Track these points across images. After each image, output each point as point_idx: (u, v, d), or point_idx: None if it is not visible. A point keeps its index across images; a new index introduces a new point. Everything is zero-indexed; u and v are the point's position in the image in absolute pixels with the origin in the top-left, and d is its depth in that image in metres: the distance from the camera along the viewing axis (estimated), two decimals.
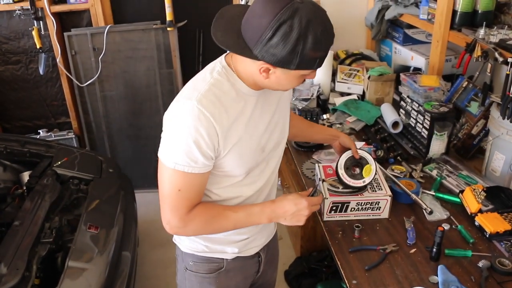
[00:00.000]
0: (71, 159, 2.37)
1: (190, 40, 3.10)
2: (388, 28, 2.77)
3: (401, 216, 1.58)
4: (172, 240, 1.43)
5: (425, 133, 1.91)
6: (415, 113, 1.98)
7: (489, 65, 1.84)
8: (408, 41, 2.60)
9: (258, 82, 1.13)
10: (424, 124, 1.91)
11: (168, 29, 2.92)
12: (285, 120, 1.36)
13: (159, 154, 1.14)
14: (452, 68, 2.32)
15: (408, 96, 2.05)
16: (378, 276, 1.33)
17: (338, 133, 1.65)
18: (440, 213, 1.58)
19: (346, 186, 1.53)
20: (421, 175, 1.81)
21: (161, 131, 1.15)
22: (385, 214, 1.57)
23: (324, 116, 2.32)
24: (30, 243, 1.75)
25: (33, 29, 2.79)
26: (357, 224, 1.51)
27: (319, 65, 1.07)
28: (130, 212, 2.30)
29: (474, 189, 1.57)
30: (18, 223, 1.83)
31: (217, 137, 1.10)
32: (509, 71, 1.62)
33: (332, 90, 2.59)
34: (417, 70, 2.41)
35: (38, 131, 3.13)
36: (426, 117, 1.89)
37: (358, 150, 1.55)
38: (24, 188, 2.18)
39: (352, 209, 1.55)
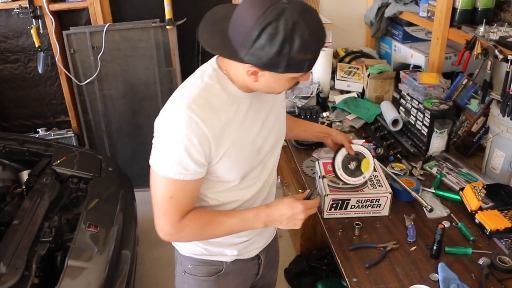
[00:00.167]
0: (70, 158, 2.36)
1: (189, 38, 3.09)
2: (387, 26, 2.77)
3: (401, 214, 1.57)
4: None
5: (425, 130, 1.91)
6: (415, 111, 1.98)
7: (489, 62, 1.84)
8: (408, 38, 2.60)
9: (248, 85, 1.10)
10: (424, 122, 1.90)
11: (167, 27, 2.91)
12: (282, 120, 1.33)
13: (150, 161, 1.12)
14: (452, 66, 2.32)
15: (408, 94, 2.05)
16: (379, 274, 1.33)
17: (329, 130, 1.60)
18: (440, 211, 1.58)
19: (347, 185, 1.51)
20: (421, 173, 1.81)
21: None
22: (385, 211, 1.57)
23: (324, 114, 2.31)
24: (29, 242, 1.74)
25: (31, 27, 2.79)
26: (357, 222, 1.51)
27: (309, 67, 1.03)
28: (129, 211, 2.30)
29: (474, 187, 1.57)
30: (17, 222, 1.82)
31: (209, 144, 1.07)
32: (509, 68, 1.62)
33: (332, 88, 2.59)
34: (417, 68, 2.41)
35: (37, 130, 3.12)
36: (426, 114, 1.88)
37: (352, 145, 1.51)
38: (23, 187, 2.18)
39: (352, 207, 1.55)
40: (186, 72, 3.02)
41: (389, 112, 2.16)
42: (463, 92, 2.05)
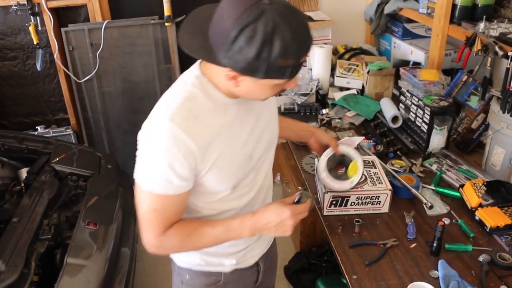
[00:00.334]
0: (69, 155, 2.36)
1: None
2: (387, 22, 2.76)
3: (401, 211, 1.57)
4: None
5: (424, 127, 1.90)
6: (415, 108, 1.97)
7: (489, 59, 1.84)
8: (408, 35, 2.60)
9: (232, 91, 1.04)
10: (424, 119, 1.90)
11: (166, 24, 2.89)
12: (274, 123, 1.28)
13: (134, 174, 1.07)
14: (452, 62, 2.32)
15: (407, 91, 2.04)
16: (379, 271, 1.33)
17: (313, 129, 1.50)
18: (440, 208, 1.58)
19: (331, 191, 1.37)
20: (421, 170, 1.80)
21: None
22: (385, 208, 1.57)
23: (323, 111, 2.31)
24: (28, 240, 1.74)
25: (29, 24, 2.77)
26: (357, 219, 1.51)
27: (292, 74, 0.96)
28: (129, 209, 2.29)
29: (474, 184, 1.56)
30: (17, 220, 1.82)
31: (194, 157, 1.02)
32: (509, 65, 1.62)
33: (331, 84, 2.58)
34: (417, 65, 2.41)
35: (36, 127, 3.11)
36: (425, 111, 1.88)
37: (339, 146, 1.40)
38: (22, 184, 2.17)
39: (352, 204, 1.55)
40: (185, 69, 3.01)
41: (388, 109, 2.15)
42: (463, 88, 2.04)
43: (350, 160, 1.38)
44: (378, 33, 2.83)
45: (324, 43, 2.64)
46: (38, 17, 2.79)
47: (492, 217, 1.46)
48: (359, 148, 1.69)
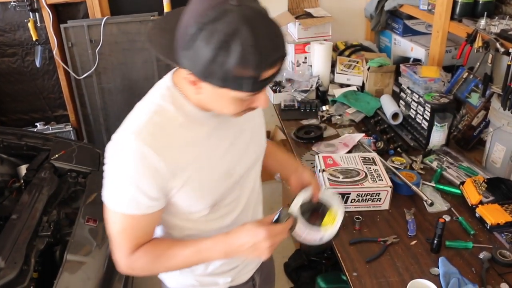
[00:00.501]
0: (69, 152, 2.35)
1: None
2: (387, 19, 2.75)
3: (401, 208, 1.57)
4: None
5: (425, 124, 1.90)
6: (415, 104, 1.97)
7: (490, 55, 1.83)
8: (408, 32, 2.59)
9: (200, 101, 0.96)
10: (424, 116, 1.90)
11: None
12: (260, 137, 1.19)
13: (102, 192, 1.01)
14: (453, 59, 2.31)
15: (408, 87, 2.04)
16: (379, 268, 1.33)
17: (297, 164, 1.34)
18: (440, 205, 1.58)
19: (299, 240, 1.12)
20: (421, 167, 1.80)
21: None
22: (385, 205, 1.56)
23: (324, 108, 2.30)
24: (28, 236, 1.73)
25: (28, 21, 2.76)
26: (357, 216, 1.51)
27: (253, 88, 0.86)
28: None
29: (475, 181, 1.56)
30: (16, 217, 1.81)
31: (162, 176, 0.95)
32: (510, 61, 1.61)
33: (332, 81, 2.57)
34: (417, 61, 2.40)
35: (35, 124, 3.10)
36: (426, 108, 1.87)
37: (321, 192, 1.19)
38: (22, 181, 2.17)
39: (353, 201, 1.54)
40: None
41: (389, 106, 2.15)
42: (464, 85, 2.04)
43: (327, 210, 1.16)
44: (379, 29, 2.82)
45: (324, 40, 2.63)
46: (37, 13, 2.77)
47: (493, 214, 1.46)
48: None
